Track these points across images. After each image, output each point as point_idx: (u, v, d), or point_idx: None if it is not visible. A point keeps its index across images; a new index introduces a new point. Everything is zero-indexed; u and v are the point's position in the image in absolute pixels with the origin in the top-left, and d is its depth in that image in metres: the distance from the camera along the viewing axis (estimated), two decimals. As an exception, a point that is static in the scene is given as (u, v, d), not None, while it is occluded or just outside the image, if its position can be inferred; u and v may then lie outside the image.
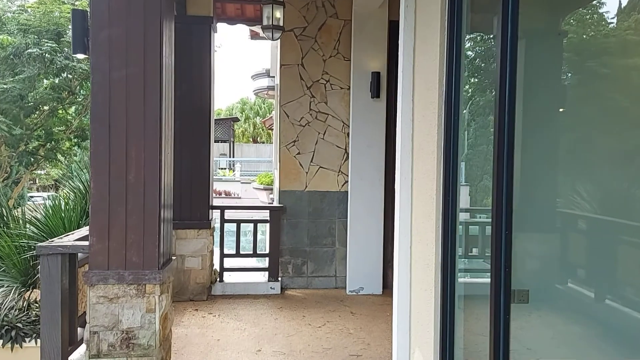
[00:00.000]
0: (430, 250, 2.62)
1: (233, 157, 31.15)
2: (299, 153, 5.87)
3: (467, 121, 2.75)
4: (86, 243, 3.16)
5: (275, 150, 9.07)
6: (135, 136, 3.17)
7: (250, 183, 20.67)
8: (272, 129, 22.64)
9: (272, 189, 16.16)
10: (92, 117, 3.15)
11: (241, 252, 5.74)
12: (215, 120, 32.14)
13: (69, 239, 3.39)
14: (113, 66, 3.13)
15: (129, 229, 3.16)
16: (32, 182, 17.69)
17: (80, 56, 3.90)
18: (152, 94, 3.19)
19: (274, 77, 15.80)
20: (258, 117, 37.48)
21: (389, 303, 5.40)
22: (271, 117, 23.23)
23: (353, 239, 5.72)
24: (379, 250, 5.75)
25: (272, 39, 5.42)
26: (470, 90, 2.87)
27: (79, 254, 3.40)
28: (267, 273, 5.77)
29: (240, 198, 21.77)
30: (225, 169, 27.60)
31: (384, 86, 5.62)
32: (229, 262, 5.73)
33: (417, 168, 2.83)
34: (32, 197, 14.10)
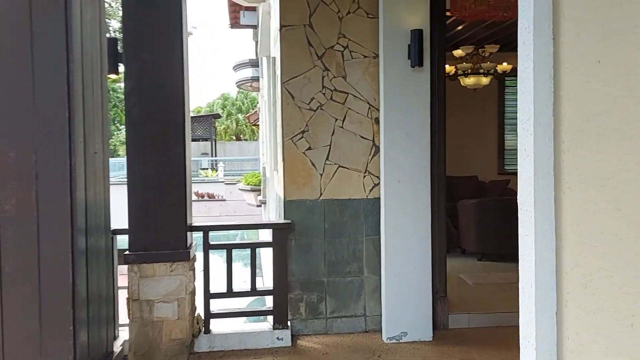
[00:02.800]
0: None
1: (215, 156, 29.39)
2: (309, 148, 4.24)
3: None
4: None
5: (270, 146, 7.39)
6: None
7: (235, 184, 18.98)
8: (257, 125, 20.98)
9: (260, 190, 14.55)
10: None
11: (234, 290, 4.08)
12: (195, 117, 30.50)
13: None
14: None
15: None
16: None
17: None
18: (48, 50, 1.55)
19: (258, 67, 14.17)
20: (241, 114, 35.70)
21: (449, 355, 3.83)
22: (255, 112, 21.58)
23: (390, 263, 4.12)
24: (427, 277, 4.16)
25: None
26: None
27: None
28: (271, 317, 4.12)
29: (224, 200, 20.05)
30: (207, 169, 25.83)
31: (428, 49, 4.01)
32: (217, 305, 4.07)
33: (578, 165, 1.31)
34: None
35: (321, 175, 4.25)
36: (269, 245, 4.13)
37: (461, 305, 4.56)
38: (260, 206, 14.81)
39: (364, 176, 4.28)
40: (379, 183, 4.25)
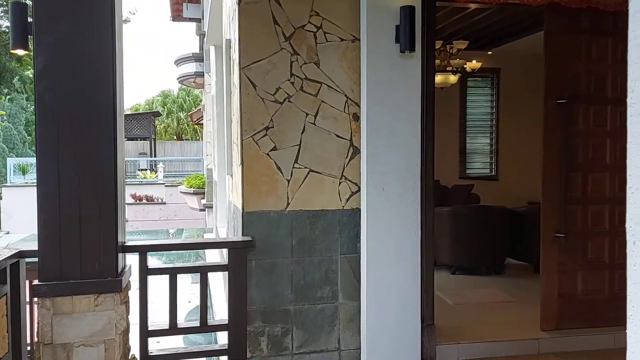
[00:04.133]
0: None
1: (155, 156, 27.88)
2: (274, 148, 3.48)
3: None
4: None
5: (221, 146, 6.54)
6: None
7: (176, 186, 17.83)
8: (200, 124, 19.87)
9: (203, 193, 13.57)
10: None
11: (180, 326, 3.25)
12: (133, 114, 28.87)
13: None
14: None
15: None
16: None
17: None
18: None
19: (202, 62, 13.19)
20: (182, 112, 34.22)
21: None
22: (198, 109, 20.47)
23: (372, 286, 3.43)
24: (415, 302, 3.49)
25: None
26: None
27: None
28: (225, 358, 3.32)
29: (164, 203, 18.83)
30: (145, 170, 24.37)
31: (419, 31, 3.34)
32: (158, 345, 3.24)
33: None
34: None
35: (288, 181, 3.50)
36: (224, 268, 3.32)
37: (446, 332, 3.93)
38: (204, 210, 13.85)
39: (340, 182, 3.56)
40: (358, 191, 3.55)
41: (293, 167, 3.50)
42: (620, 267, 4.00)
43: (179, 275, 3.23)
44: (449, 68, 7.06)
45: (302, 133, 3.50)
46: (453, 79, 7.12)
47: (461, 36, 7.06)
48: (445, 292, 5.00)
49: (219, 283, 4.92)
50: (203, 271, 3.25)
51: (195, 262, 3.29)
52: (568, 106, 3.87)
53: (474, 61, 7.08)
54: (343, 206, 3.57)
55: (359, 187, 3.54)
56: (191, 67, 14.95)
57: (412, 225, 3.40)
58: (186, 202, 16.04)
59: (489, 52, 8.28)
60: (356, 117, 3.54)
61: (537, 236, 5.84)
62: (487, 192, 8.12)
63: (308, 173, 3.52)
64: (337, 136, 3.54)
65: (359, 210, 3.55)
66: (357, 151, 3.55)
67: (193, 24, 16.81)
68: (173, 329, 3.21)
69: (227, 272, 3.28)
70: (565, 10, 3.88)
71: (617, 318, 4.00)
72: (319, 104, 3.51)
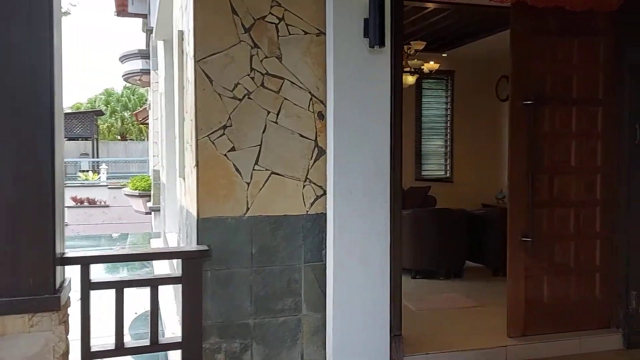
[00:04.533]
0: None
1: (97, 157, 26.74)
2: (232, 149, 3.20)
3: None
4: None
5: (172, 147, 6.18)
6: None
7: (120, 188, 17.07)
8: (146, 124, 19.14)
9: (149, 195, 13.01)
10: None
11: (127, 345, 2.92)
12: (74, 113, 27.61)
13: None
14: None
15: None
16: None
17: None
18: None
19: (148, 59, 12.63)
20: (127, 111, 33.04)
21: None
22: (144, 108, 19.72)
23: (338, 296, 3.21)
24: (384, 312, 3.29)
25: None
26: None
27: None
28: (180, 379, 3.02)
29: (108, 207, 18.01)
30: (87, 171, 23.30)
31: (389, 24, 3.15)
32: (102, 367, 2.89)
33: None
34: None
35: (248, 184, 3.23)
36: (177, 281, 3.02)
37: (413, 341, 3.76)
38: (150, 213, 13.28)
39: (304, 186, 3.32)
40: (323, 194, 3.32)
41: (253, 169, 3.24)
42: (586, 271, 3.96)
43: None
44: (407, 69, 6.96)
45: (263, 132, 3.25)
46: (411, 80, 7.03)
47: (418, 37, 6.98)
48: (407, 298, 4.84)
49: (168, 291, 4.58)
50: (154, 284, 2.93)
51: (145, 274, 2.94)
52: (534, 107, 3.78)
53: (431, 62, 7.01)
54: (307, 211, 3.33)
55: (325, 191, 3.32)
56: (137, 64, 14.36)
57: (381, 231, 3.21)
58: (131, 205, 15.38)
59: (443, 54, 8.26)
60: (321, 116, 3.32)
61: (495, 239, 5.82)
62: (442, 194, 8.10)
63: (269, 175, 3.27)
64: (301, 136, 3.30)
65: (325, 215, 3.32)
66: (322, 152, 3.32)
67: (139, 20, 16.13)
68: (120, 349, 2.87)
69: (179, 287, 2.97)
70: (532, 10, 3.80)
71: (581, 323, 3.96)
72: (282, 101, 3.27)
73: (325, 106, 3.29)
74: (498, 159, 8.74)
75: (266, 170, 3.26)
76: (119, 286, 2.89)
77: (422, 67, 6.99)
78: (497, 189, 8.60)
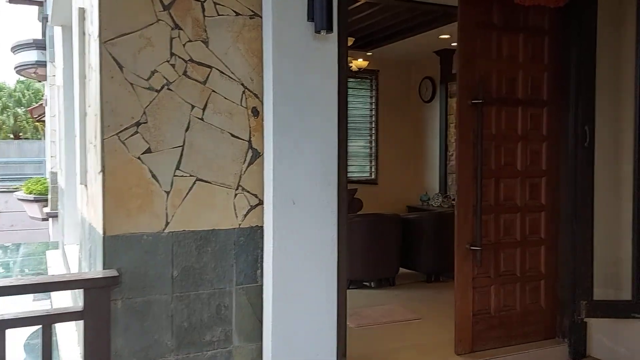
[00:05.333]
0: None
1: (-15, 157, 24.21)
2: (148, 150, 2.64)
3: None
4: None
5: (72, 146, 5.37)
6: None
7: (12, 192, 15.41)
8: (43, 121, 17.48)
9: (47, 200, 11.79)
10: None
11: (11, 403, 2.28)
12: (-43, 109, 24.82)
13: None
14: None
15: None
16: None
17: None
18: None
19: (45, 50, 11.39)
20: (20, 107, 30.30)
21: None
22: (40, 104, 18.01)
23: (278, 322, 2.74)
24: (330, 338, 2.86)
25: None
26: None
27: None
28: None
29: (-3, 213, 16.20)
30: (-26, 173, 20.98)
31: (336, 8, 2.72)
32: None
33: None
34: None
35: (168, 193, 2.68)
36: (77, 316, 2.40)
37: (356, 364, 3.38)
38: (47, 219, 12.06)
39: (236, 194, 2.82)
40: (259, 204, 2.84)
41: (174, 175, 2.69)
42: (531, 279, 3.78)
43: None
44: (334, 66, 6.59)
45: (186, 131, 2.71)
46: (338, 77, 6.67)
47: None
48: (343, 313, 4.47)
49: (68, 333, 3.86)
50: (47, 322, 2.30)
51: (35, 310, 2.28)
52: (481, 108, 3.53)
53: (360, 60, 6.71)
54: (240, 224, 2.83)
55: (261, 200, 2.84)
56: (32, 55, 13.00)
57: (328, 246, 2.78)
58: (25, 210, 13.90)
59: (368, 53, 8.02)
60: (256, 113, 2.83)
61: (429, 244, 5.62)
62: (367, 196, 7.83)
63: (194, 182, 2.74)
64: (233, 135, 2.80)
65: (261, 228, 2.84)
66: (257, 155, 2.84)
67: (35, 8, 14.64)
68: (0, 410, 2.22)
69: (81, 323, 2.36)
70: (478, 3, 3.55)
71: (527, 334, 3.78)
72: (209, 94, 2.75)
73: (262, 101, 2.81)
74: (422, 161, 8.66)
75: (190, 176, 2.72)
76: (1, 327, 2.23)
77: (351, 64, 6.66)
78: (421, 190, 8.50)
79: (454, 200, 7.82)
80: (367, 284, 5.47)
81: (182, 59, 2.69)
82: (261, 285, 2.86)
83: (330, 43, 2.72)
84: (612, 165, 3.61)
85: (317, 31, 2.61)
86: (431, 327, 4.17)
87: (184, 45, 2.70)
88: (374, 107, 8.59)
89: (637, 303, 3.45)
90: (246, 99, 2.82)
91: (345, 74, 2.93)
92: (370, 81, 8.53)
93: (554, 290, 3.82)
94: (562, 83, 3.73)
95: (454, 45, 7.73)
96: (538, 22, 3.72)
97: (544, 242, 3.81)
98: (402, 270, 5.72)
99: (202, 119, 2.73)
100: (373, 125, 8.56)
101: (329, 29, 2.59)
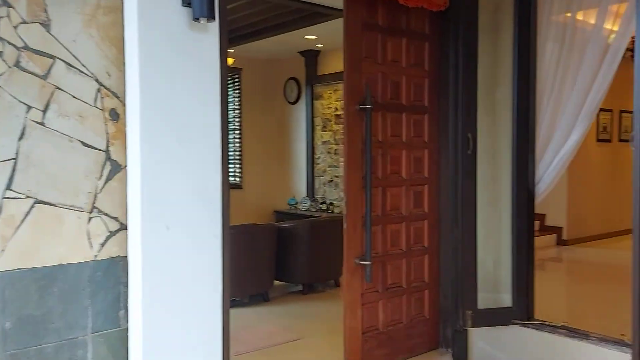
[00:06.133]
0: None
1: None
2: (-35, 165, 1.96)
3: None
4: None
5: None
6: None
7: None
8: None
9: None
10: None
11: None
12: None
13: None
14: None
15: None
16: None
17: None
18: None
19: None
20: None
21: None
22: None
23: (147, 379, 2.22)
24: (211, 390, 2.41)
25: None
26: None
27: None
28: None
29: None
30: None
31: (217, -6, 2.28)
32: None
33: None
34: None
35: (-5, 221, 2.03)
36: None
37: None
38: None
39: (90, 218, 2.24)
40: (122, 229, 2.28)
41: (4, 197, 2.05)
42: (416, 289, 3.67)
43: None
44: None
45: (20, 139, 2.07)
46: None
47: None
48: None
49: None
50: None
51: None
52: (368, 114, 3.32)
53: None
54: (96, 255, 2.26)
55: (124, 224, 2.29)
56: None
57: (211, 278, 2.33)
58: None
59: (231, 50, 7.56)
60: (115, 116, 2.28)
61: (303, 254, 5.35)
62: (233, 202, 7.27)
63: (33, 205, 2.11)
64: (85, 144, 2.21)
65: (125, 259, 2.29)
66: (118, 168, 2.28)
67: None
68: None
69: None
70: (364, 2, 3.34)
71: (413, 347, 3.68)
72: (52, 92, 2.14)
73: (123, 102, 2.26)
74: (289, 164, 8.42)
75: (27, 197, 2.09)
76: None
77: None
78: (289, 194, 8.25)
79: (322, 204, 7.72)
80: (239, 299, 5.04)
81: (14, 46, 2.05)
82: (126, 329, 2.31)
83: (210, 34, 2.27)
84: (493, 171, 3.63)
85: (196, 18, 2.15)
86: (314, 347, 3.90)
87: (15, 27, 2.06)
88: (237, 107, 8.14)
89: (517, 309, 3.50)
90: (102, 98, 2.25)
91: (226, 71, 2.50)
92: (233, 80, 8.07)
93: (437, 299, 3.76)
94: (443, 89, 3.67)
95: (319, 47, 7.60)
96: (420, 26, 3.61)
97: (427, 250, 3.73)
98: (275, 282, 5.39)
99: (42, 124, 2.11)
100: (237, 127, 8.11)
101: (211, 17, 2.14)
